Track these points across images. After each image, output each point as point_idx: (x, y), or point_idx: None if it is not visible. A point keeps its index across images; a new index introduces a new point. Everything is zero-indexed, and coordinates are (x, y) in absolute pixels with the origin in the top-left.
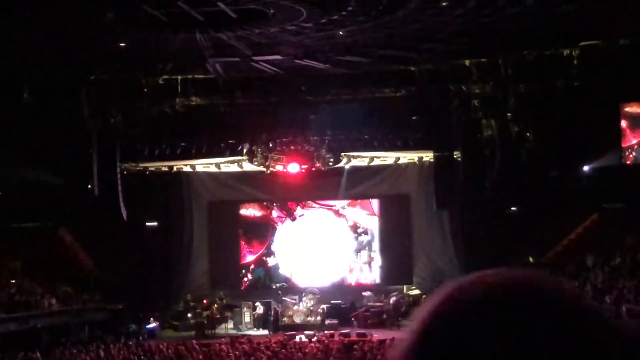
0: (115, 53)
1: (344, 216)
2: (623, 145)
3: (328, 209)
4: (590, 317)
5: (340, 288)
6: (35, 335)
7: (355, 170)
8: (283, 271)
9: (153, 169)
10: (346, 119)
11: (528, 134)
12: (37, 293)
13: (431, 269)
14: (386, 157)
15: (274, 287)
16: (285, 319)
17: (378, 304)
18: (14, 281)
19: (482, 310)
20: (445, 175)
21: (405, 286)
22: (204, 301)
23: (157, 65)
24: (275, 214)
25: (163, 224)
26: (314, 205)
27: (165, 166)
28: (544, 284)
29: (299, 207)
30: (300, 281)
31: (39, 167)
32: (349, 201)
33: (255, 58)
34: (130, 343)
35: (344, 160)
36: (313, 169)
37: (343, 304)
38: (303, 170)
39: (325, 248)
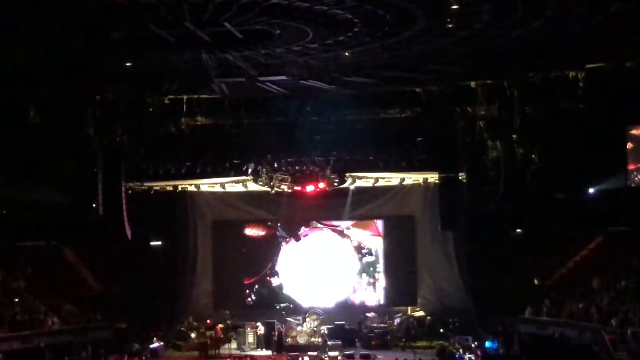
0: (121, 72)
1: (349, 237)
2: (628, 167)
3: (332, 229)
4: None
5: (344, 309)
6: (39, 354)
7: (360, 190)
8: (287, 291)
9: (158, 188)
10: (351, 139)
11: (533, 156)
12: (41, 311)
13: (435, 290)
14: (391, 178)
15: (277, 307)
16: (288, 339)
17: (382, 325)
18: (17, 299)
19: None
20: (450, 197)
21: (409, 307)
22: (208, 321)
23: (163, 84)
24: (279, 233)
25: (167, 244)
26: (319, 225)
27: (170, 185)
28: None
29: (303, 227)
30: (304, 302)
31: (43, 185)
32: (354, 222)
33: (260, 78)
34: None
35: (349, 180)
36: (318, 189)
37: (347, 324)
38: (308, 191)
39: (329, 268)
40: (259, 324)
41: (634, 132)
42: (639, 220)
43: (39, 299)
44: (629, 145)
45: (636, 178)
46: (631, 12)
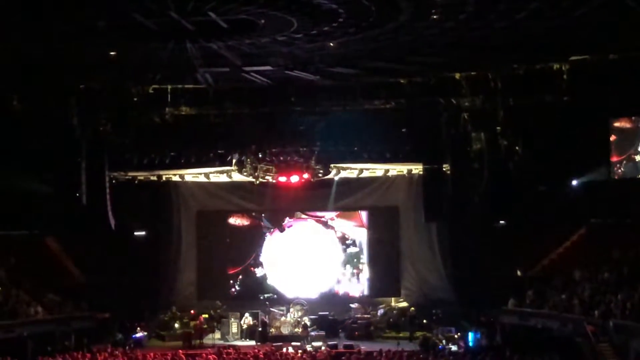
0: (105, 62)
1: (333, 227)
2: (612, 160)
3: (317, 220)
4: None
5: (328, 299)
6: (21, 344)
7: (345, 181)
8: (271, 282)
9: (142, 178)
10: (336, 130)
11: (517, 148)
12: (24, 301)
13: (419, 281)
14: (375, 169)
15: (261, 297)
16: (272, 330)
17: (365, 315)
18: (0, 289)
19: None
20: (434, 188)
21: (393, 298)
22: (192, 311)
23: (147, 74)
24: (263, 224)
25: (151, 234)
26: (303, 216)
27: (154, 175)
28: None
29: (287, 218)
30: (288, 292)
31: (26, 174)
32: (338, 213)
33: (245, 68)
34: (117, 352)
35: (333, 171)
36: (302, 180)
37: (331, 315)
38: (292, 182)
39: (313, 259)
40: (245, 314)
41: (617, 124)
42: (622, 212)
43: (22, 289)
44: (612, 137)
45: (619, 170)
46: (614, 5)
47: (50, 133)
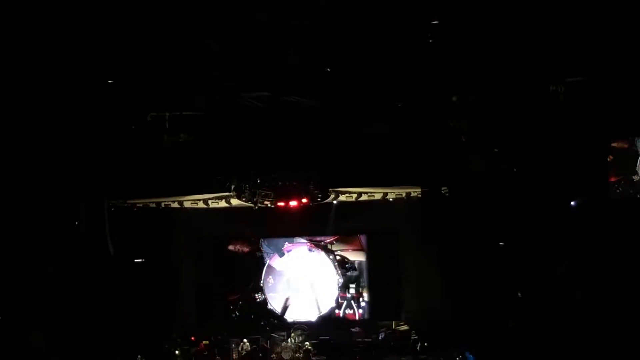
0: (102, 89)
1: (332, 251)
2: (610, 180)
3: (316, 244)
4: None
5: (329, 324)
6: None
7: (343, 205)
8: (271, 307)
9: (140, 205)
10: (333, 154)
11: (515, 170)
12: (22, 330)
13: (419, 304)
14: (374, 193)
15: (262, 323)
16: (273, 355)
17: (366, 339)
18: None
19: None
20: (433, 210)
21: (393, 322)
22: (192, 338)
23: (145, 101)
24: (263, 249)
25: (150, 261)
26: (302, 240)
27: (152, 202)
28: None
29: (286, 243)
30: (288, 317)
31: (24, 203)
32: (337, 236)
33: (242, 94)
34: None
35: (332, 195)
36: (301, 204)
37: (331, 339)
38: (291, 206)
39: (313, 283)
40: (245, 340)
41: (614, 145)
42: (620, 233)
43: (20, 318)
44: (610, 158)
45: (617, 191)
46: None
47: (48, 160)
